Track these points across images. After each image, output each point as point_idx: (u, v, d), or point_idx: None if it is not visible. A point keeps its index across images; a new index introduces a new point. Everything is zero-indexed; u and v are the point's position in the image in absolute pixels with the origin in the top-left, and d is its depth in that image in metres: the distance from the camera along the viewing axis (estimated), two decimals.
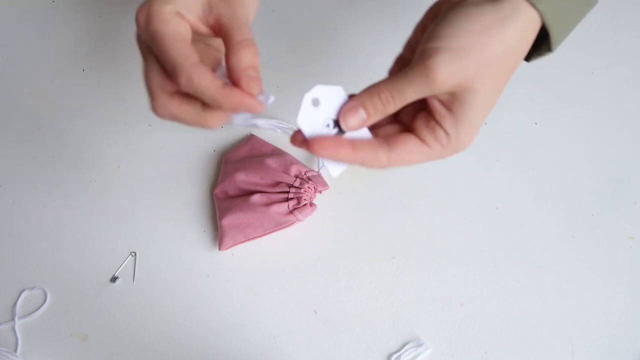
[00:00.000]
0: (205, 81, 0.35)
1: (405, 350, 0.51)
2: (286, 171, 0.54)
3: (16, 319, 0.52)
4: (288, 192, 0.53)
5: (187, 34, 0.38)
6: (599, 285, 0.53)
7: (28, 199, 0.58)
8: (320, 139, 0.36)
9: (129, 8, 0.66)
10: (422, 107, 0.38)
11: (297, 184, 0.53)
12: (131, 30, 0.70)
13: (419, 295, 0.53)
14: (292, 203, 0.53)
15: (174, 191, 0.58)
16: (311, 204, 0.53)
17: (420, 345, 0.51)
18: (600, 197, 0.57)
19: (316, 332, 0.52)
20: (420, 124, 0.38)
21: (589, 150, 0.59)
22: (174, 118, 0.38)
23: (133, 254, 0.55)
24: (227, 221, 0.53)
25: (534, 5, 0.35)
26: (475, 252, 0.55)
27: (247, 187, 0.54)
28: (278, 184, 0.54)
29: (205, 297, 0.53)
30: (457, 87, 0.35)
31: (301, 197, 0.53)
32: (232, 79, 0.36)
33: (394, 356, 0.51)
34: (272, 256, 0.55)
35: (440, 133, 0.37)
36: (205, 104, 0.37)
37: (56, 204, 0.57)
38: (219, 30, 0.38)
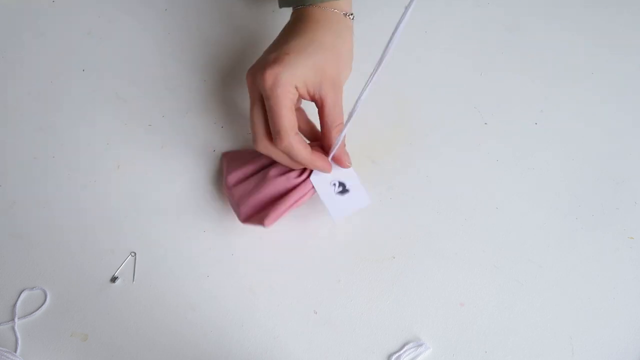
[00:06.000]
0: (302, 150, 0.47)
1: (405, 350, 0.51)
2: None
3: (16, 319, 0.52)
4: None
5: (295, 102, 0.47)
6: (599, 285, 0.54)
7: (28, 199, 0.58)
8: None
9: (129, 8, 0.66)
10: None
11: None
12: (131, 30, 0.70)
13: (419, 295, 0.53)
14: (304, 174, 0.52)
15: (174, 191, 0.58)
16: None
17: (420, 345, 0.51)
18: (600, 197, 0.57)
19: (316, 332, 0.52)
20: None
21: (589, 150, 0.59)
22: (271, 155, 0.49)
23: (133, 254, 0.55)
24: (248, 204, 0.53)
25: None
26: (475, 252, 0.55)
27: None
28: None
29: (205, 297, 0.53)
30: None
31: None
32: (332, 150, 0.49)
33: (394, 356, 0.51)
34: (272, 256, 0.55)
35: None
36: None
37: (56, 204, 0.57)
38: (320, 107, 0.48)
